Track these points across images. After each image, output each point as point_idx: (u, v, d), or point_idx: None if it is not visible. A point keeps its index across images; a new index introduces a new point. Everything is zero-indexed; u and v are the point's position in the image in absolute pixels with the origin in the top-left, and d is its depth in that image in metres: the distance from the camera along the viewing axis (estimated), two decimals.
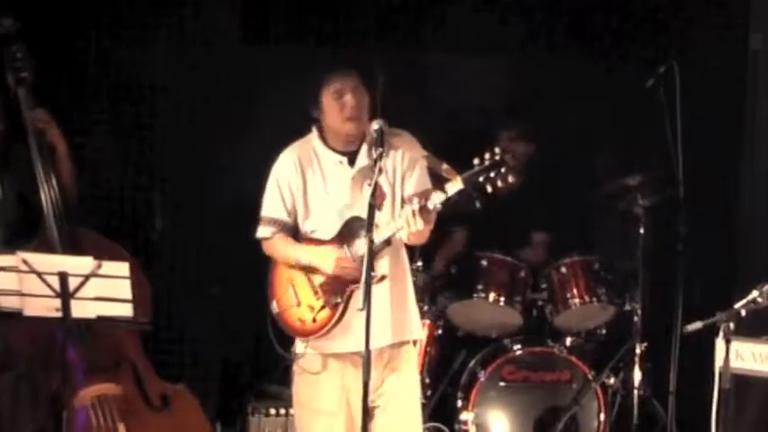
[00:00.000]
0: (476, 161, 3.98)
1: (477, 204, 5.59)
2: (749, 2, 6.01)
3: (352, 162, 4.31)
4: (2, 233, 4.63)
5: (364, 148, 4.30)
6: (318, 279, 4.29)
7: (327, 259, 4.24)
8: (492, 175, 3.92)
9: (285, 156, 4.39)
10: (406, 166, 4.28)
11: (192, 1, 5.75)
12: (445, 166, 4.09)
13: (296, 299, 4.32)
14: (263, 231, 4.40)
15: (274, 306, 4.38)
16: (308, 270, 4.30)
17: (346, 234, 4.23)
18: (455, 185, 4.01)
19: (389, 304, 4.27)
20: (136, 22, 5.67)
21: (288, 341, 4.41)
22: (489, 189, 3.95)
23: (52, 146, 4.67)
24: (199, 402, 4.76)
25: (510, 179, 3.93)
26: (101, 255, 4.14)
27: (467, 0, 6.14)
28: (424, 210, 4.00)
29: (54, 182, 4.59)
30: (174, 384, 4.74)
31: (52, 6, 5.41)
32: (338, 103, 4.24)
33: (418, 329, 4.51)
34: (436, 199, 4.03)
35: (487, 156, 3.96)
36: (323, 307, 4.27)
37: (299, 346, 4.37)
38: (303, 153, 4.35)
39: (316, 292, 4.29)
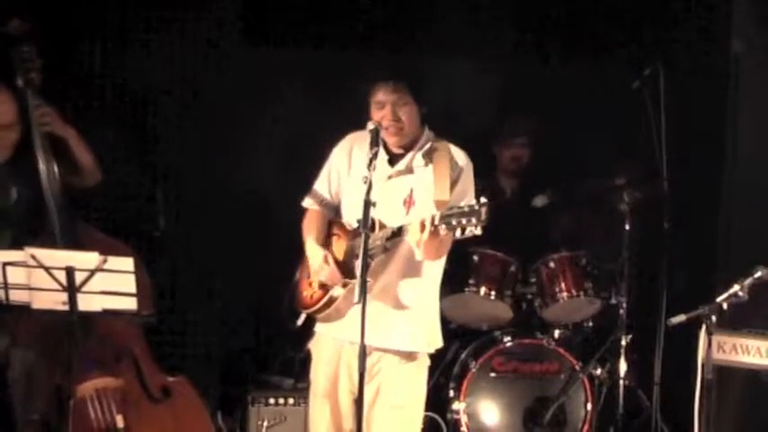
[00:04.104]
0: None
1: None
2: (731, 6, 6.07)
3: (392, 162, 4.31)
4: (11, 236, 4.65)
5: (411, 153, 4.30)
6: None
7: (316, 257, 4.30)
8: (463, 221, 3.87)
9: (345, 139, 4.44)
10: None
11: (193, 3, 5.74)
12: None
13: (308, 272, 4.40)
14: (305, 201, 4.49)
15: (297, 274, 4.49)
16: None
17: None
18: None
19: (396, 309, 4.27)
20: (138, 24, 5.67)
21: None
22: (458, 234, 3.91)
23: (62, 139, 4.65)
24: (199, 393, 4.81)
25: (475, 232, 3.87)
26: (101, 251, 4.17)
27: (458, 5, 6.18)
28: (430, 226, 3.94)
29: (58, 180, 4.58)
30: (175, 376, 4.79)
31: (53, 8, 5.40)
32: (379, 113, 4.24)
33: (430, 342, 4.41)
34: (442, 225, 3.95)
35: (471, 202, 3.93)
36: (319, 287, 4.33)
37: (317, 326, 4.41)
38: (361, 141, 4.32)
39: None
